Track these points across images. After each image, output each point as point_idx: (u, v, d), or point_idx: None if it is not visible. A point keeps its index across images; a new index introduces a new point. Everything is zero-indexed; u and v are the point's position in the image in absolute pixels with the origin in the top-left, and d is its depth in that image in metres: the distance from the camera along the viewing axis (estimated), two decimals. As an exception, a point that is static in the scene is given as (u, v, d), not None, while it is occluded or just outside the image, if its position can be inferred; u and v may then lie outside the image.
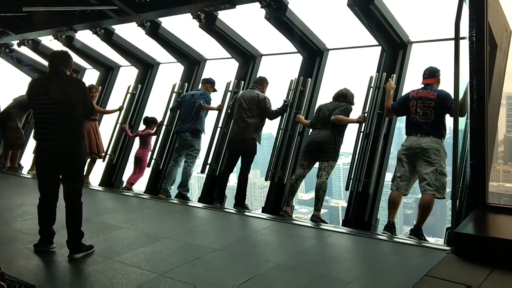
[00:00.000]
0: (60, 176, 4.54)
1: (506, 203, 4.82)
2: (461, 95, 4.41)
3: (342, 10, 6.42)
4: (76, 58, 10.75)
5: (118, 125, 9.16)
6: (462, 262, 3.71)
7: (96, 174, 9.20)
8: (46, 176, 4.56)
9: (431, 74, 5.63)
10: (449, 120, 5.43)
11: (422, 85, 5.65)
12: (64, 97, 4.38)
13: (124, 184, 8.51)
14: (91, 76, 11.17)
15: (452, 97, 4.73)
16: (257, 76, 7.66)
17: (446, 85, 5.60)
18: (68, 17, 8.69)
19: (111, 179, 9.00)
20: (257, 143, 6.90)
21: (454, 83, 4.22)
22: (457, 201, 4.53)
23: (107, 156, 8.97)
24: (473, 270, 3.54)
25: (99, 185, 9.00)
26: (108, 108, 9.76)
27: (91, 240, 4.85)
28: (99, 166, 9.08)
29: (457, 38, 4.15)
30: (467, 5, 4.34)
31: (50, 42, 10.01)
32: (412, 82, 6.13)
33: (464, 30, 4.31)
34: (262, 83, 7.13)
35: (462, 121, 4.68)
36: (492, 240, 3.85)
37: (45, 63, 11.65)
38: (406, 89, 6.48)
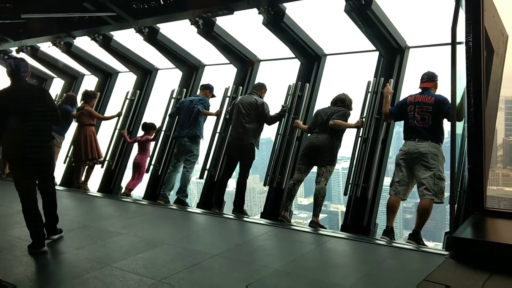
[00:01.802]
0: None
1: (505, 207, 4.82)
2: (458, 100, 4.42)
3: (339, 16, 6.46)
4: (74, 64, 10.80)
5: (117, 131, 9.18)
6: (461, 267, 3.71)
7: (94, 180, 9.21)
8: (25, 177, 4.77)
9: (429, 79, 5.65)
10: (446, 125, 5.44)
11: (420, 90, 5.66)
12: (31, 103, 4.71)
13: (123, 190, 8.51)
14: (89, 82, 11.20)
15: (450, 101, 4.74)
16: (256, 81, 7.68)
17: (443, 89, 5.62)
18: (67, 24, 8.70)
19: (109, 185, 8.99)
20: (256, 148, 6.91)
21: (451, 87, 4.22)
22: (456, 205, 4.52)
23: (106, 162, 8.97)
24: (472, 275, 3.53)
25: (98, 191, 8.99)
26: (107, 114, 9.78)
27: (90, 246, 4.85)
28: (98, 172, 9.10)
29: (453, 43, 4.16)
30: (463, 10, 4.35)
31: (49, 48, 10.04)
32: (410, 87, 6.15)
33: (461, 35, 4.33)
34: (261, 88, 7.14)
35: (459, 125, 4.68)
36: (490, 244, 3.84)
37: (44, 69, 11.70)
38: (404, 94, 6.50)
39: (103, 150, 8.94)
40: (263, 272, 4.15)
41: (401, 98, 6.20)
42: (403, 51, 6.80)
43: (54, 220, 5.08)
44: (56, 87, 11.90)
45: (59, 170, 9.51)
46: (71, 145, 9.44)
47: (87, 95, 8.85)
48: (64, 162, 9.57)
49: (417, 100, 5.53)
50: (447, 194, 5.17)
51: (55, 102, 9.83)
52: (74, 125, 9.39)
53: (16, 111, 4.63)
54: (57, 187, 8.66)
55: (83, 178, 8.84)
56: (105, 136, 9.13)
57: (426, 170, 5.29)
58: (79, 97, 9.10)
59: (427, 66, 5.89)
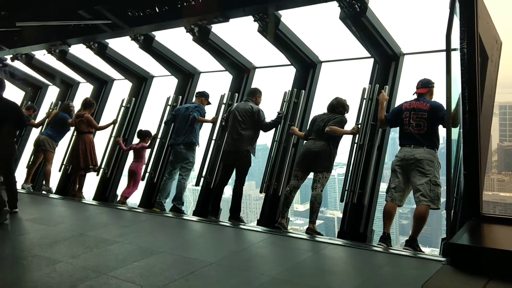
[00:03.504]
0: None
1: (501, 212, 4.83)
2: (453, 106, 4.43)
3: (334, 23, 6.48)
4: (69, 72, 10.78)
5: (112, 138, 9.15)
6: (458, 273, 3.71)
7: (90, 188, 9.17)
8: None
9: (424, 85, 5.68)
10: (442, 131, 5.46)
11: (415, 96, 5.69)
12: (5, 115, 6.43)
13: (118, 198, 8.48)
14: (84, 90, 11.18)
15: (445, 108, 4.76)
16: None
17: (439, 96, 5.64)
18: (62, 31, 8.70)
19: (105, 193, 8.96)
20: (252, 155, 6.90)
21: (446, 94, 4.24)
22: (452, 211, 4.53)
23: (101, 169, 8.93)
24: (469, 281, 3.53)
25: (93, 199, 8.96)
26: (102, 121, 9.77)
27: (85, 254, 4.82)
28: (93, 180, 9.07)
29: (448, 50, 4.18)
30: (457, 17, 4.38)
31: (44, 56, 10.02)
32: (405, 93, 6.17)
33: (456, 42, 4.35)
34: (255, 94, 7.14)
35: (455, 131, 4.69)
36: (487, 250, 3.85)
37: (39, 77, 11.67)
38: (399, 100, 6.52)
39: (98, 158, 8.92)
40: (260, 280, 4.13)
41: (396, 104, 6.23)
42: (398, 58, 6.83)
43: (14, 196, 6.66)
44: (52, 95, 11.88)
45: (55, 178, 9.50)
46: (66, 153, 9.46)
47: (88, 103, 8.93)
48: (60, 170, 9.54)
49: (413, 106, 5.55)
50: (443, 200, 5.17)
51: (50, 110, 9.97)
52: (69, 133, 9.44)
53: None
54: (52, 196, 8.73)
55: (77, 187, 8.81)
56: (100, 143, 9.12)
57: (422, 176, 5.30)
58: (78, 104, 9.15)
59: (422, 73, 5.93)
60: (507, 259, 3.58)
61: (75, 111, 9.17)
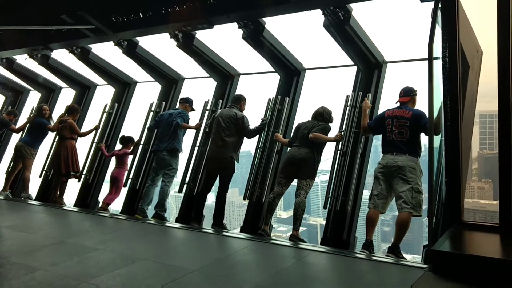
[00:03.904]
0: None
1: (481, 219, 4.89)
2: (435, 114, 4.49)
3: (318, 31, 6.53)
4: (51, 77, 10.66)
5: (94, 144, 9.05)
6: (440, 280, 3.73)
7: (71, 194, 9.06)
8: None
9: (406, 93, 5.74)
10: (424, 139, 5.51)
11: (398, 104, 5.74)
12: None
13: (100, 205, 8.38)
14: (67, 95, 11.05)
15: (427, 116, 4.81)
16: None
17: (421, 104, 5.71)
18: (44, 36, 8.60)
19: (86, 199, 8.84)
20: (236, 162, 6.88)
21: (428, 102, 4.29)
22: (433, 218, 4.57)
23: (83, 176, 8.83)
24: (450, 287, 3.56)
25: (74, 205, 8.84)
26: (84, 127, 9.66)
27: (65, 262, 4.74)
28: (75, 186, 8.95)
29: (430, 59, 4.24)
30: (440, 26, 4.45)
31: (25, 60, 9.88)
32: (388, 101, 6.24)
33: (438, 51, 4.41)
34: (240, 101, 7.14)
35: (437, 139, 4.75)
36: (468, 257, 3.88)
37: (20, 82, 11.52)
38: (382, 108, 6.58)
39: (80, 164, 8.82)
40: (244, 287, 4.11)
41: (379, 112, 6.28)
42: (381, 66, 6.90)
43: None
44: (33, 100, 11.72)
45: (35, 184, 9.37)
46: (47, 159, 9.34)
47: (73, 109, 8.88)
48: (40, 176, 9.40)
49: (395, 114, 5.61)
50: (425, 207, 5.22)
51: (31, 115, 9.84)
52: (49, 138, 9.33)
53: None
54: (32, 202, 8.59)
55: (58, 193, 8.69)
56: (82, 149, 9.02)
57: (404, 184, 5.34)
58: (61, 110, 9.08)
59: (404, 81, 6.00)
60: (488, 266, 3.62)
61: (58, 116, 9.08)
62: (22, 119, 10.61)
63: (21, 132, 9.81)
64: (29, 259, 4.88)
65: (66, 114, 8.81)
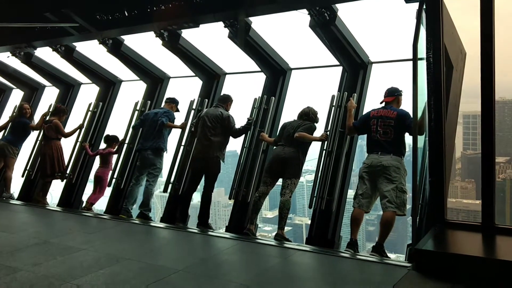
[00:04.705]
0: None
1: (464, 219, 4.94)
2: (419, 114, 4.53)
3: (304, 31, 6.54)
4: (35, 75, 10.52)
5: (78, 143, 8.96)
6: (423, 278, 3.77)
7: (54, 193, 8.94)
8: None
9: (391, 93, 5.78)
10: (408, 139, 5.56)
11: (383, 104, 5.78)
12: None
13: (84, 204, 8.29)
14: (50, 94, 10.91)
15: (411, 116, 4.86)
16: (221, 94, 7.67)
17: (406, 104, 5.75)
18: (27, 33, 8.48)
19: (70, 199, 8.74)
20: (222, 161, 6.87)
21: (412, 102, 4.33)
22: (417, 217, 4.61)
23: (66, 175, 8.73)
24: (434, 286, 3.60)
25: (58, 205, 8.73)
26: (68, 126, 9.54)
27: (48, 262, 4.68)
28: (58, 186, 8.85)
29: (415, 59, 4.28)
30: (424, 27, 4.49)
31: (8, 58, 9.74)
32: (373, 101, 6.28)
33: (422, 51, 4.46)
34: (227, 101, 7.12)
35: (421, 139, 4.79)
36: (451, 256, 3.93)
37: (3, 80, 11.35)
38: (367, 108, 6.63)
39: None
40: (229, 287, 4.10)
41: (364, 112, 6.33)
42: (366, 66, 6.94)
43: None
44: (16, 98, 11.55)
45: (17, 184, 9.24)
46: (30, 158, 9.24)
47: (59, 110, 8.81)
48: (22, 176, 9.29)
49: (380, 114, 5.64)
50: (409, 206, 5.26)
51: (13, 114, 9.70)
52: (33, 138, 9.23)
53: None
54: (14, 202, 8.47)
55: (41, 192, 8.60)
56: (66, 148, 8.91)
57: (388, 183, 5.38)
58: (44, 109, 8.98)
59: (389, 81, 6.05)
60: (470, 264, 3.66)
61: (42, 114, 8.98)
62: (4, 118, 10.47)
63: (2, 131, 9.67)
64: (10, 259, 4.81)
65: (51, 114, 8.71)
